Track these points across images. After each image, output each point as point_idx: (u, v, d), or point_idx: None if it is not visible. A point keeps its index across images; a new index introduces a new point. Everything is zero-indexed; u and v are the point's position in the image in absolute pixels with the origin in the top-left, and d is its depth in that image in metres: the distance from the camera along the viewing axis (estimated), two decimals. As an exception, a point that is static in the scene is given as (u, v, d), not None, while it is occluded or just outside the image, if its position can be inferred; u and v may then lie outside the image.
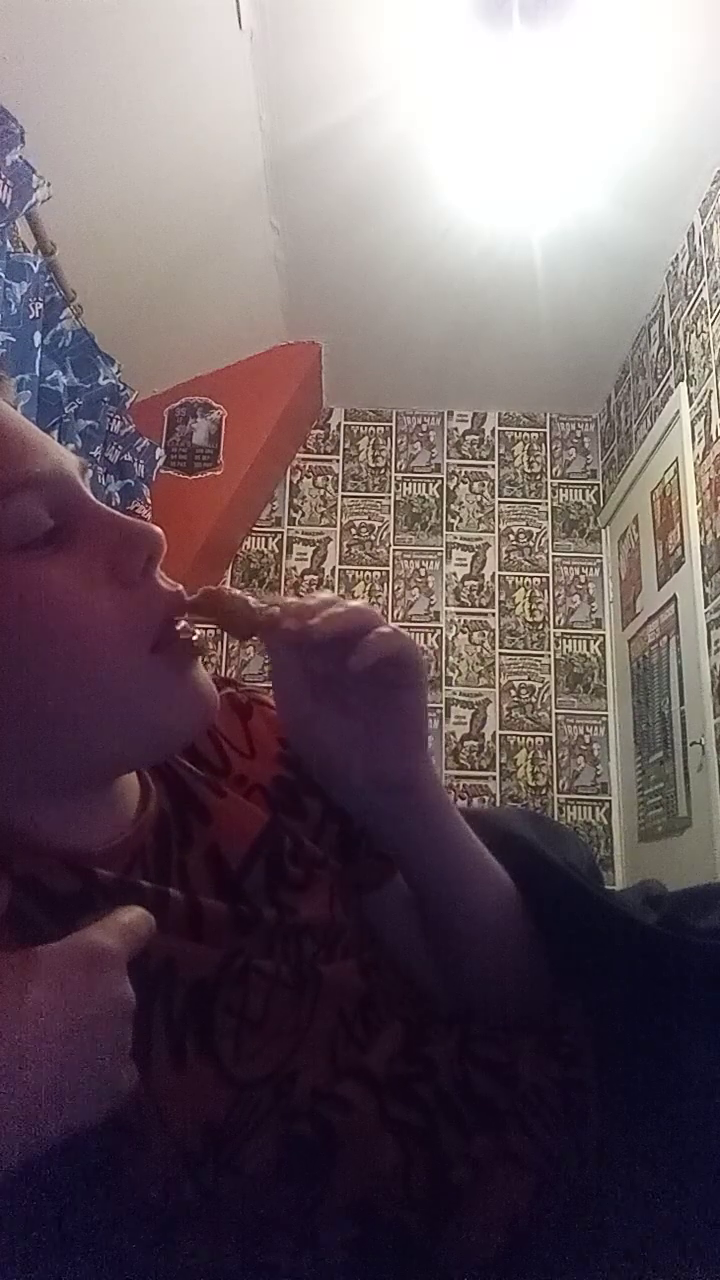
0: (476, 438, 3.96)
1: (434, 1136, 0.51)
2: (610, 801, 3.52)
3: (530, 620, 3.74)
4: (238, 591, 0.53)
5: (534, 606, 3.75)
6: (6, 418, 0.47)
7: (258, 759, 0.63)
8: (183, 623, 0.50)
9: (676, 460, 2.96)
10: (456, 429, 3.97)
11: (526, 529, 3.85)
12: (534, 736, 3.61)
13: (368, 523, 3.84)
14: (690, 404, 2.86)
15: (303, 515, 3.85)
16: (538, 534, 3.85)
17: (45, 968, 0.38)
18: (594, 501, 3.89)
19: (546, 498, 3.90)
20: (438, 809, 0.58)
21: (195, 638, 0.50)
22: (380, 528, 3.84)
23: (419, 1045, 0.55)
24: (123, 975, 0.40)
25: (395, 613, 3.73)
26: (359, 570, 3.79)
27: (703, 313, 2.78)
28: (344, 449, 3.93)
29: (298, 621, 0.52)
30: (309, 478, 3.90)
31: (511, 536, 3.84)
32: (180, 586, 0.51)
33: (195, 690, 0.51)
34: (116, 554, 0.48)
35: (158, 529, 0.49)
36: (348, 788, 0.57)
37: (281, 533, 3.84)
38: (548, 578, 3.79)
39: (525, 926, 0.62)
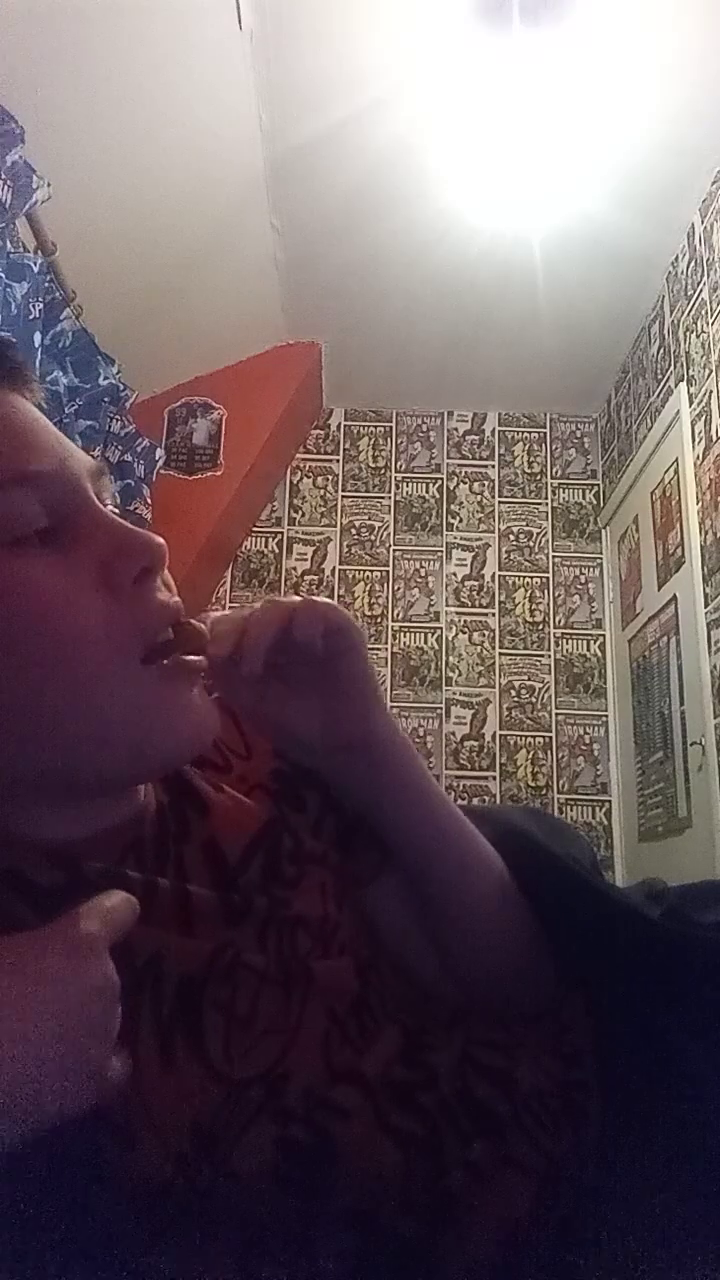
0: (476, 438, 3.96)
1: (436, 1145, 0.50)
2: (610, 801, 3.52)
3: (530, 620, 3.74)
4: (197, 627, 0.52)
5: (534, 606, 3.75)
6: (14, 414, 0.46)
7: (254, 758, 0.63)
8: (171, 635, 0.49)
9: (676, 460, 2.96)
10: (456, 429, 3.97)
11: (526, 529, 3.85)
12: (534, 736, 3.60)
13: (368, 523, 3.84)
14: (690, 404, 2.86)
15: (303, 515, 3.85)
16: (538, 534, 3.85)
17: (23, 953, 0.38)
18: (594, 501, 3.89)
19: (546, 498, 3.90)
20: (401, 762, 0.60)
21: (191, 659, 0.49)
22: (380, 528, 3.84)
23: (418, 1051, 0.55)
24: (104, 959, 0.39)
25: (395, 612, 3.73)
26: (359, 570, 3.79)
27: (703, 313, 2.78)
28: (344, 449, 3.93)
29: (225, 646, 0.52)
30: (309, 478, 3.90)
31: (511, 536, 3.84)
32: (178, 600, 0.50)
33: (191, 709, 0.49)
34: (111, 561, 0.47)
35: (159, 540, 0.48)
36: (312, 756, 0.59)
37: (281, 533, 3.83)
38: (548, 578, 3.79)
39: (520, 904, 0.62)
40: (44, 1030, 0.36)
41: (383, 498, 3.88)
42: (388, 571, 3.79)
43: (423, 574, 3.79)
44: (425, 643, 3.69)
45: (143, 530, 0.48)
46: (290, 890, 0.56)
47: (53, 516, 0.46)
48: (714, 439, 2.66)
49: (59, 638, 0.44)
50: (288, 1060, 0.50)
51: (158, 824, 0.54)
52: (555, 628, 3.73)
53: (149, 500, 2.89)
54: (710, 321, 2.73)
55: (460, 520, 3.86)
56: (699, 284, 2.81)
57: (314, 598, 0.55)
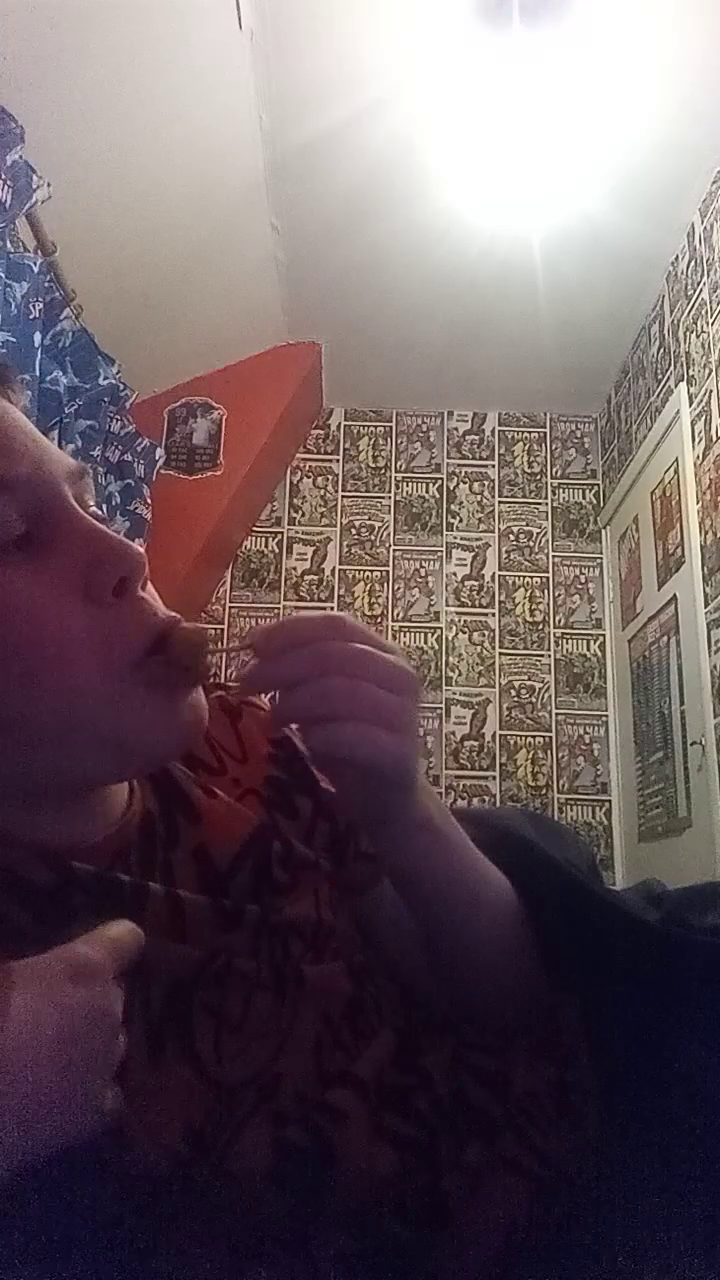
0: (476, 438, 3.96)
1: (431, 1148, 0.50)
2: (610, 801, 3.52)
3: (530, 620, 3.74)
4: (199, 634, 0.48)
5: (534, 606, 3.75)
6: None
7: (249, 761, 0.63)
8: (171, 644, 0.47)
9: (676, 460, 2.96)
10: (456, 429, 3.96)
11: (526, 529, 3.85)
12: (534, 736, 3.60)
13: (368, 523, 3.84)
14: (690, 404, 2.86)
15: (303, 515, 3.85)
16: (538, 534, 3.85)
17: (28, 979, 0.37)
18: (594, 501, 3.88)
19: (546, 498, 3.90)
20: (421, 845, 0.54)
21: (188, 666, 0.47)
22: (380, 528, 3.84)
23: (413, 1055, 0.55)
24: (109, 989, 0.39)
25: (395, 612, 3.73)
26: (359, 570, 3.79)
27: (703, 313, 2.78)
28: (344, 449, 3.93)
29: (281, 677, 0.47)
30: (309, 478, 3.90)
31: (511, 536, 3.84)
32: (177, 616, 0.49)
33: (182, 712, 0.48)
34: (90, 570, 0.46)
35: (138, 550, 0.47)
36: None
37: (281, 533, 3.83)
38: (548, 578, 3.79)
39: (524, 939, 0.61)
40: (44, 1059, 0.36)
41: (383, 498, 3.88)
42: (388, 571, 3.79)
43: (423, 574, 3.79)
44: (425, 643, 3.69)
45: (121, 539, 0.47)
46: (282, 896, 0.56)
47: (30, 522, 0.45)
48: (714, 439, 2.66)
49: (41, 646, 0.44)
50: (280, 1064, 0.50)
51: (147, 831, 0.53)
52: (555, 628, 3.73)
53: (149, 500, 2.89)
54: (710, 321, 2.72)
55: (460, 520, 3.86)
56: (699, 284, 2.81)
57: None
